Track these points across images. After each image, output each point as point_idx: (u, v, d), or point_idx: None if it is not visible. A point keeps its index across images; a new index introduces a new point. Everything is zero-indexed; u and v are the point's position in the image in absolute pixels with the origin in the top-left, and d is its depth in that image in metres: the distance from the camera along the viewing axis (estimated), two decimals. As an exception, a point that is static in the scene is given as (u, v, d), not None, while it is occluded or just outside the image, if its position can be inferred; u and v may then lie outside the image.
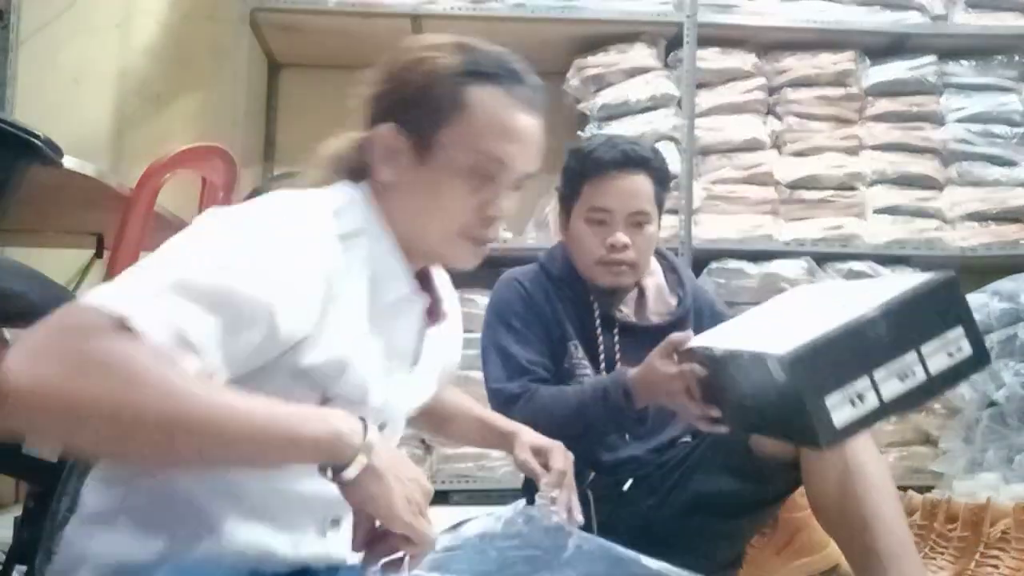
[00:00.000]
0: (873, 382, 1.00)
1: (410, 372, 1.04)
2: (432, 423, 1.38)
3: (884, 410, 1.01)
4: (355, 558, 1.02)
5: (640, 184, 1.55)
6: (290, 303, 0.84)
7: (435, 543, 0.87)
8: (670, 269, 1.71)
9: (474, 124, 0.95)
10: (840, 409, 0.99)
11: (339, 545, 0.99)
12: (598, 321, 1.60)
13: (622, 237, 1.54)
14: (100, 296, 0.75)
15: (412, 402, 1.08)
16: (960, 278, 1.08)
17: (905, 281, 1.08)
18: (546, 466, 1.24)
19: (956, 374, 1.05)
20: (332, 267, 0.89)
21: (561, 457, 1.25)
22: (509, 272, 1.68)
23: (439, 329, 1.08)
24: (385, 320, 0.97)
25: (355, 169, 1.00)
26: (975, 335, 1.05)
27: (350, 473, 0.80)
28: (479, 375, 2.82)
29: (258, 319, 0.81)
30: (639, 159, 1.55)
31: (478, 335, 2.86)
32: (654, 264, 1.68)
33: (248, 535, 0.90)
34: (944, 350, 1.04)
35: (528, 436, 1.29)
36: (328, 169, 1.01)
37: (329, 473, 0.80)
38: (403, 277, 0.98)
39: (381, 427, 0.99)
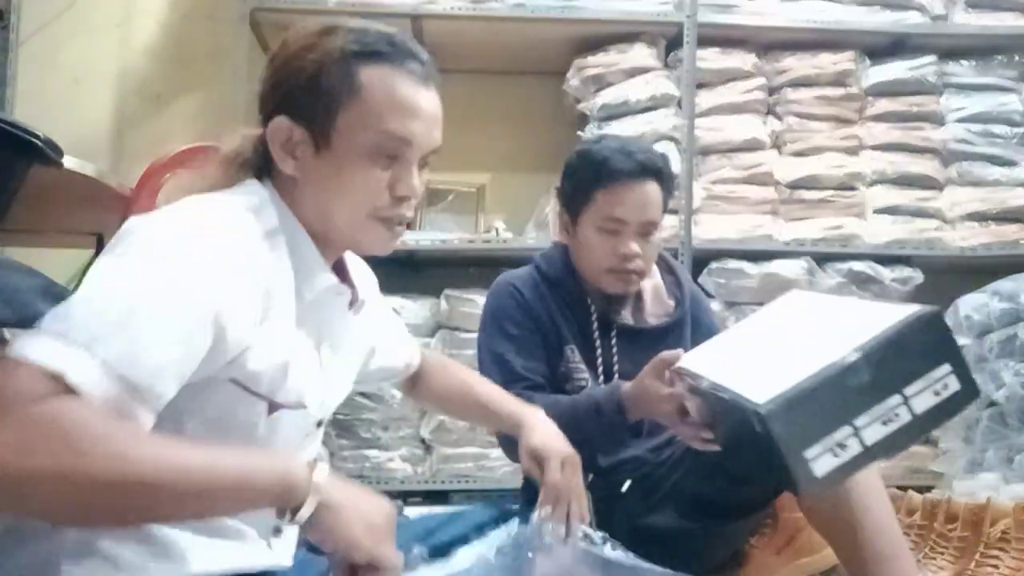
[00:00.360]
0: (855, 429, 0.97)
1: (339, 363, 1.05)
2: (442, 408, 1.42)
3: (868, 455, 0.98)
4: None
5: (653, 194, 1.54)
6: (235, 307, 0.84)
7: (400, 569, 0.88)
8: (667, 270, 1.71)
9: (371, 104, 0.93)
10: (821, 459, 0.96)
11: (284, 551, 1.01)
12: (595, 324, 1.60)
13: (635, 247, 1.53)
14: (35, 349, 0.73)
15: (341, 393, 1.09)
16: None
17: (889, 314, 1.03)
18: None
19: (944, 411, 1.01)
20: (265, 267, 0.89)
21: (556, 467, 1.19)
22: (504, 276, 1.68)
23: (356, 316, 1.09)
24: (312, 315, 0.97)
25: (258, 166, 0.99)
26: (963, 371, 1.01)
27: (303, 514, 0.81)
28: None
29: (206, 331, 0.81)
30: (654, 169, 1.54)
31: (479, 335, 2.89)
32: (652, 269, 1.69)
33: (199, 550, 0.90)
34: (930, 389, 1.00)
35: (530, 436, 1.24)
36: (229, 169, 0.99)
37: (287, 516, 0.82)
38: (322, 270, 0.98)
39: (319, 424, 1.00)
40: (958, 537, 1.73)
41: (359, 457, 2.83)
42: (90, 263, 2.37)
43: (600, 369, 1.58)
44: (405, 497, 2.72)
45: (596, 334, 1.60)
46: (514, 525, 1.11)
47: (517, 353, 1.54)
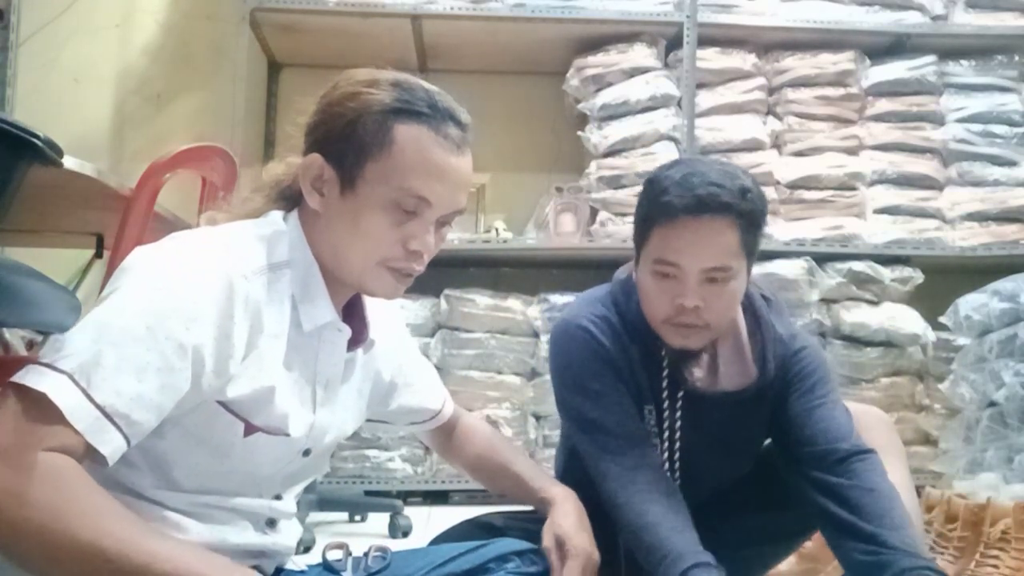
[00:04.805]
0: None
1: (334, 398, 1.06)
2: (472, 474, 1.34)
3: None
4: (302, 560, 1.08)
5: (719, 234, 1.23)
6: (217, 344, 0.87)
7: None
8: (756, 326, 1.39)
9: (398, 161, 0.96)
10: None
11: (283, 538, 1.04)
12: (665, 382, 1.36)
13: (692, 299, 1.25)
14: (29, 375, 0.79)
15: (340, 426, 1.09)
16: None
17: None
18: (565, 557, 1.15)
19: None
20: (257, 299, 0.92)
21: (576, 570, 1.13)
22: (573, 316, 1.39)
23: (367, 354, 1.11)
24: (309, 346, 1.00)
25: (292, 196, 1.03)
26: None
27: None
28: (479, 375, 2.87)
29: (184, 365, 0.85)
30: (719, 205, 1.22)
31: (479, 335, 2.90)
32: (738, 319, 1.38)
33: (195, 528, 0.94)
34: None
35: (562, 513, 1.19)
36: (268, 195, 1.04)
37: None
38: (325, 305, 1.00)
39: (306, 453, 1.02)
40: (958, 537, 1.73)
41: (359, 457, 2.83)
42: (90, 263, 2.38)
43: (666, 435, 1.38)
44: (405, 497, 2.72)
45: (665, 396, 1.37)
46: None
47: (606, 411, 1.33)
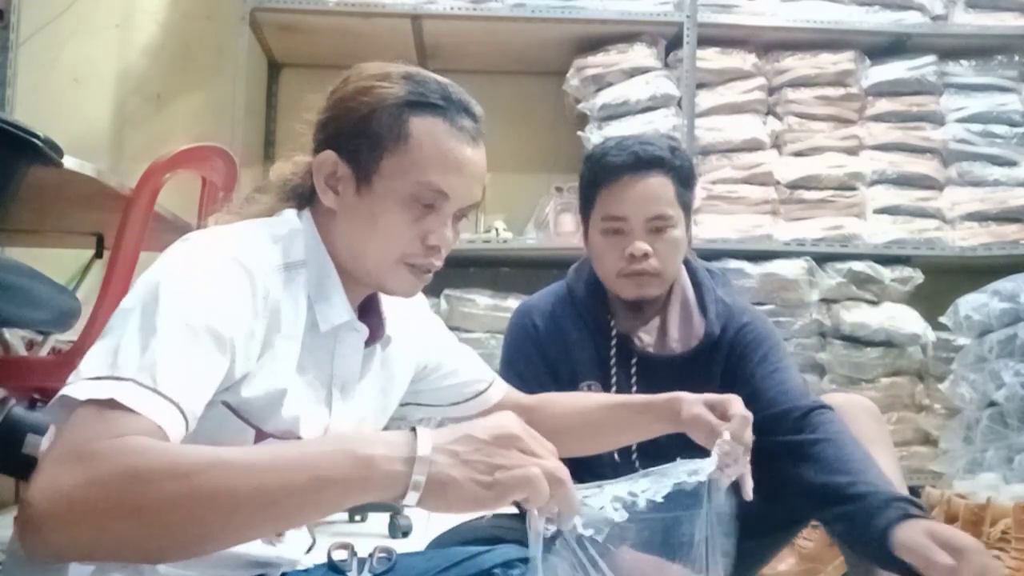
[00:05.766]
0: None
1: (351, 397, 1.04)
2: (571, 436, 1.24)
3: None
4: (306, 560, 1.05)
5: (656, 186, 1.41)
6: (245, 338, 0.85)
7: (558, 471, 0.75)
8: (698, 291, 1.51)
9: (415, 154, 0.94)
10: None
11: (290, 550, 1.00)
12: (613, 351, 1.46)
13: (641, 245, 1.40)
14: (80, 388, 0.73)
15: (360, 423, 1.07)
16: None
17: None
18: (724, 417, 1.10)
19: None
20: (276, 298, 0.90)
21: (741, 405, 1.10)
22: (526, 303, 1.54)
23: (385, 352, 1.09)
24: (325, 346, 0.98)
25: (302, 195, 1.01)
26: None
27: (409, 501, 0.72)
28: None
29: (223, 353, 0.82)
30: (651, 159, 1.41)
31: (479, 335, 2.90)
32: (683, 281, 1.50)
33: None
34: None
35: (687, 402, 1.15)
36: (277, 194, 1.02)
37: (407, 499, 0.73)
38: (341, 305, 0.98)
39: None
40: (958, 537, 1.73)
41: (359, 457, 2.83)
42: (90, 263, 2.38)
43: None
44: (405, 497, 2.71)
45: (613, 364, 1.46)
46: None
47: (529, 389, 1.38)
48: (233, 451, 0.74)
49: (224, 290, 0.85)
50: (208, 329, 0.81)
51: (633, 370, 1.45)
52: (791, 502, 1.32)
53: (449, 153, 0.96)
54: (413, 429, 0.75)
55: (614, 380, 1.45)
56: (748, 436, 1.08)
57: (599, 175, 1.43)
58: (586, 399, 1.29)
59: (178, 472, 0.70)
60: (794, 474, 1.27)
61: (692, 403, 1.14)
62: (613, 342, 1.46)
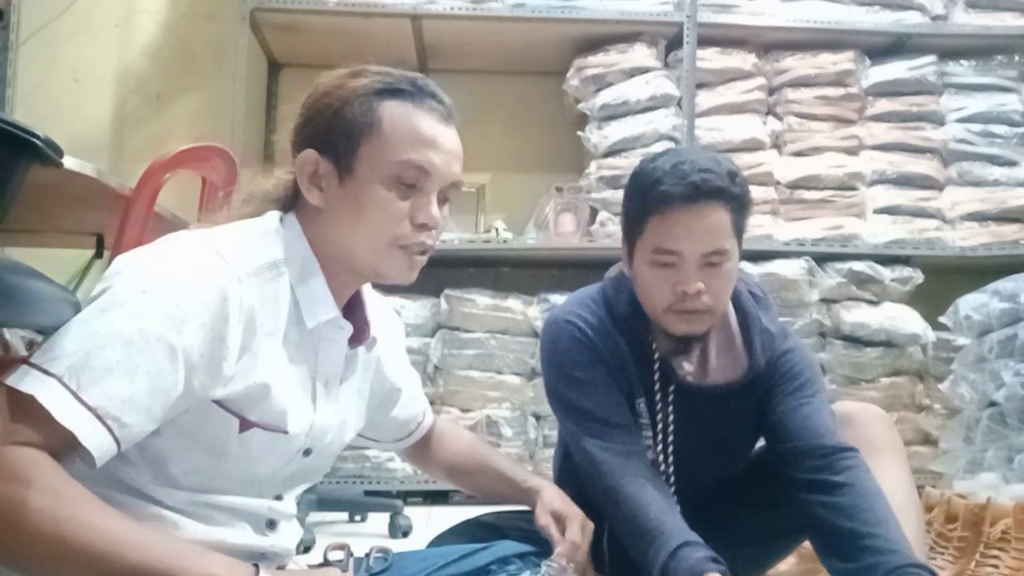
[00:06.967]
0: None
1: (335, 397, 1.06)
2: (451, 476, 1.36)
3: None
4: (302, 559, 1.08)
5: (715, 219, 1.28)
6: (212, 346, 0.87)
7: None
8: (743, 319, 1.42)
9: (391, 136, 0.98)
10: None
11: (283, 540, 1.03)
12: (657, 375, 1.37)
13: (696, 284, 1.28)
14: (18, 377, 0.80)
15: (340, 426, 1.09)
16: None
17: None
18: (564, 531, 1.19)
19: None
20: (250, 303, 0.91)
21: (578, 529, 1.18)
22: (562, 312, 1.42)
23: (368, 353, 1.11)
24: (310, 344, 1.00)
25: (286, 202, 1.04)
26: None
27: None
28: (479, 375, 2.87)
29: (176, 368, 0.85)
30: (712, 191, 1.27)
31: (479, 335, 2.90)
32: (728, 310, 1.41)
33: (192, 527, 0.93)
34: None
35: (550, 497, 1.23)
36: (260, 206, 1.04)
37: None
38: (326, 303, 1.00)
39: (307, 452, 1.01)
40: (958, 537, 1.73)
41: (359, 457, 2.83)
42: (90, 263, 2.38)
43: (659, 429, 1.38)
44: (405, 497, 2.72)
45: (658, 390, 1.38)
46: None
47: (593, 398, 1.34)
48: (118, 520, 0.80)
49: (187, 298, 0.86)
50: (160, 339, 0.83)
51: (671, 398, 1.38)
52: (796, 512, 1.30)
53: (422, 130, 0.99)
54: (256, 566, 0.83)
55: (658, 406, 1.38)
56: (581, 556, 1.14)
57: (651, 202, 1.29)
58: (475, 450, 1.35)
59: (52, 523, 0.75)
60: (813, 513, 1.25)
61: (544, 507, 1.22)
62: (656, 366, 1.38)
